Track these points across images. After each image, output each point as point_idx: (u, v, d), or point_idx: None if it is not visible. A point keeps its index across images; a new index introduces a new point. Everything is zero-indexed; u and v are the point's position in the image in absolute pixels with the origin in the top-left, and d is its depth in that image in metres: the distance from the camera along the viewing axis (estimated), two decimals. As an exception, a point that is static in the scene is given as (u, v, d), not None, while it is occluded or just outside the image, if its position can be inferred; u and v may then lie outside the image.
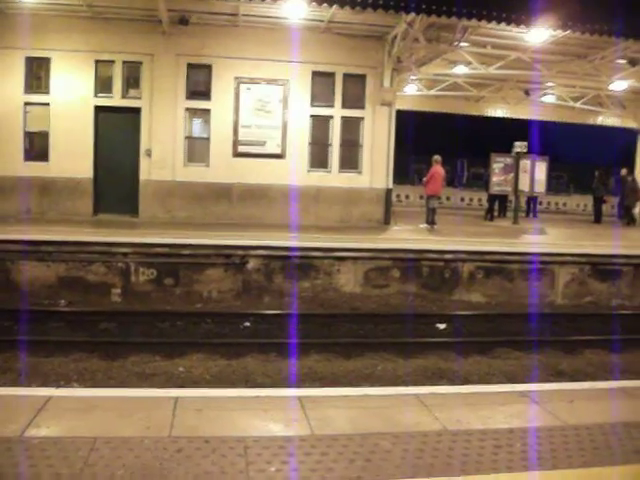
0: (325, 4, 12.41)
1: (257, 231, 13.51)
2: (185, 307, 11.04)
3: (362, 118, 16.52)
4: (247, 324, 10.23)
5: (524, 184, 20.30)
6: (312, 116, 16.30)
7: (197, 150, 15.97)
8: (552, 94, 23.34)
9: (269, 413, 4.11)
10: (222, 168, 15.78)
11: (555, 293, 12.75)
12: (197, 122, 16.19)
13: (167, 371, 7.75)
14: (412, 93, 23.28)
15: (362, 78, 16.38)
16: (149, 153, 15.48)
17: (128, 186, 15.54)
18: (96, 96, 15.31)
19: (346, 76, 16.30)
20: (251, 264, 11.74)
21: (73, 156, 15.18)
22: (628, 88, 20.36)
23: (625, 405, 4.66)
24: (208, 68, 15.70)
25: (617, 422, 4.24)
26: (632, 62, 16.43)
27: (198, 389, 5.61)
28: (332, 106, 16.34)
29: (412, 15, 13.38)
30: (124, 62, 15.33)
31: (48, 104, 15.18)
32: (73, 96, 15.15)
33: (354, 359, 8.65)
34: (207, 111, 15.89)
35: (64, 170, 15.11)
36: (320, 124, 16.41)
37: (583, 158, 45.98)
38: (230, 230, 13.53)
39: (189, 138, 15.97)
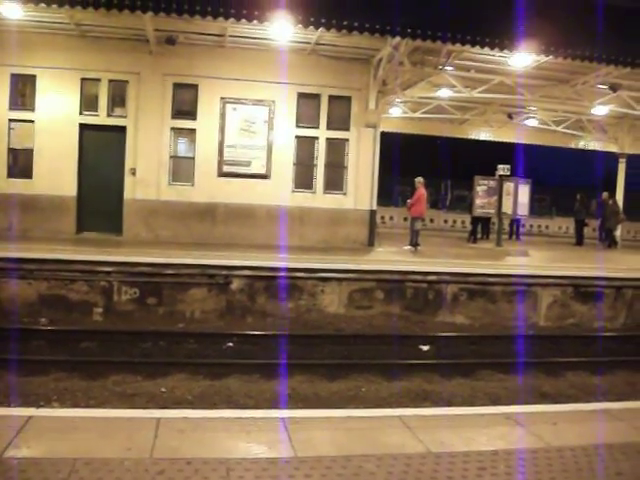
0: (311, 27, 12.51)
1: (241, 251, 13.48)
2: (168, 327, 10.96)
3: (347, 140, 16.61)
4: (230, 344, 10.17)
5: (507, 207, 20.44)
6: (297, 137, 16.37)
7: (182, 169, 15.96)
8: (535, 118, 23.63)
9: (252, 435, 4.08)
10: (207, 188, 15.78)
11: (538, 315, 12.81)
12: (182, 141, 16.19)
13: (149, 391, 7.67)
14: (397, 115, 23.49)
15: (347, 100, 16.49)
16: (134, 172, 15.45)
17: (112, 204, 15.47)
18: (81, 114, 15.29)
19: (331, 98, 16.40)
20: (235, 284, 11.70)
21: (57, 173, 15.11)
22: (609, 113, 20.69)
23: (608, 427, 4.67)
24: (194, 88, 15.75)
25: (600, 444, 4.25)
26: (613, 88, 16.69)
27: (180, 410, 5.55)
28: (317, 127, 16.42)
29: (397, 39, 13.53)
30: (110, 80, 15.34)
31: (33, 121, 15.14)
32: (58, 114, 15.12)
33: (338, 380, 8.62)
34: (193, 131, 15.91)
35: (48, 187, 15.04)
36: (305, 145, 16.47)
37: (565, 181, 46.51)
38: (214, 250, 13.50)
39: (174, 157, 15.96)
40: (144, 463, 3.59)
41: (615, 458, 4.02)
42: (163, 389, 7.78)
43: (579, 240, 23.17)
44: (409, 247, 17.01)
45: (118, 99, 15.57)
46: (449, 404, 7.41)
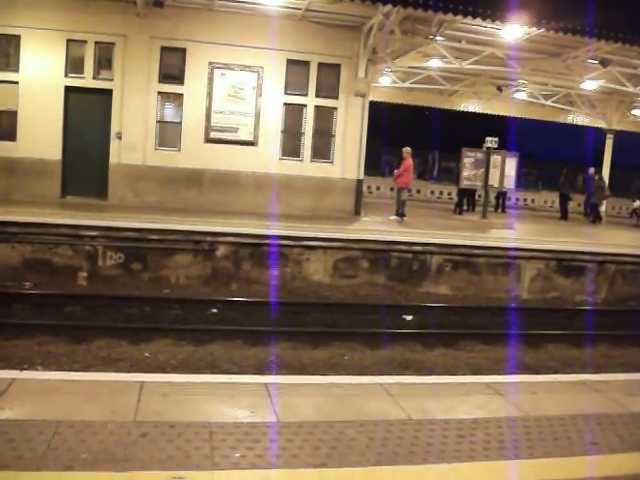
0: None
1: (227, 218, 13.44)
2: (152, 292, 10.96)
3: (335, 108, 16.49)
4: (214, 311, 10.20)
5: (494, 179, 20.49)
6: (285, 104, 16.23)
7: (169, 134, 15.80)
8: (524, 91, 23.57)
9: (235, 399, 4.11)
10: (194, 153, 15.65)
11: (521, 287, 12.93)
12: (169, 106, 16.01)
13: (133, 356, 7.70)
14: (386, 85, 23.34)
15: (337, 68, 16.34)
16: (120, 136, 15.28)
17: (97, 169, 15.31)
18: (67, 76, 15.02)
19: (321, 65, 16.25)
20: (220, 251, 11.69)
21: (41, 136, 14.89)
22: (598, 88, 20.64)
23: (585, 398, 4.76)
24: (182, 52, 15.52)
25: (577, 414, 4.32)
26: (603, 63, 16.64)
27: (164, 374, 5.59)
28: (306, 95, 16.29)
29: (389, 6, 13.38)
30: (96, 42, 15.05)
31: (17, 82, 14.85)
32: (43, 75, 14.84)
33: (321, 348, 8.69)
34: (180, 95, 15.72)
35: (32, 150, 14.83)
36: (293, 113, 16.35)
37: (553, 156, 46.60)
38: (200, 216, 13.45)
39: (161, 122, 15.78)
40: (127, 426, 3.61)
41: (591, 428, 4.10)
42: (147, 354, 7.81)
43: (563, 214, 23.30)
44: (395, 217, 17.04)
45: (104, 62, 15.29)
46: (431, 373, 7.50)
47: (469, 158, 20.46)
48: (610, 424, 4.19)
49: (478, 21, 13.55)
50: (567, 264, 13.13)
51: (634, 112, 24.51)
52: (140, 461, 3.26)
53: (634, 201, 25.61)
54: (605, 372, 6.90)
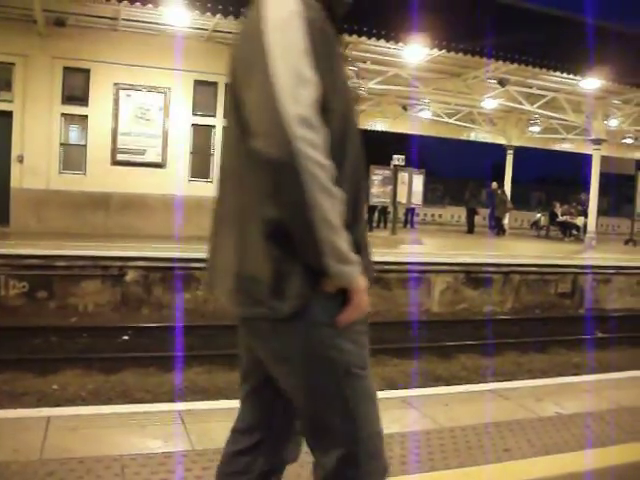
0: (208, 13, 12.33)
1: (137, 242, 13.14)
2: (60, 321, 10.56)
3: (245, 129, 16.48)
4: (125, 337, 9.93)
5: (402, 196, 20.96)
6: (194, 125, 16.11)
7: (73, 157, 15.35)
8: (429, 110, 24.29)
9: (147, 429, 4.00)
10: (100, 176, 15.25)
11: (432, 301, 13.23)
12: (74, 128, 15.59)
13: (40, 390, 7.37)
14: (294, 105, 23.50)
15: (245, 89, 16.35)
16: (21, 159, 14.72)
17: (-3, 193, 14.72)
18: (-37, 98, 14.43)
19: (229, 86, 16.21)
20: (130, 276, 11.41)
21: None
22: (498, 106, 21.56)
23: (496, 406, 4.89)
24: (86, 72, 15.14)
25: (489, 422, 4.44)
26: (501, 82, 17.44)
27: (72, 407, 5.37)
28: (214, 116, 16.22)
29: (294, 28, 13.53)
30: (-5, 63, 14.54)
31: None
32: (-64, 98, 14.20)
33: (236, 371, 8.55)
34: (84, 117, 15.33)
35: None
36: (202, 134, 16.25)
37: (457, 172, 48.22)
38: (108, 241, 13.09)
39: (65, 145, 15.34)
40: (33, 465, 3.44)
41: (503, 435, 4.21)
42: (55, 386, 7.50)
43: (470, 228, 24.08)
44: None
45: (4, 82, 14.73)
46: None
47: (377, 176, 20.86)
48: (520, 430, 4.32)
49: (382, 42, 13.91)
50: (475, 276, 13.55)
51: (531, 129, 25.68)
52: (47, 501, 3.12)
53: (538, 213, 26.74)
54: (514, 380, 7.11)
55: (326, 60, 1.76)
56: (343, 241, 1.73)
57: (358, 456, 1.93)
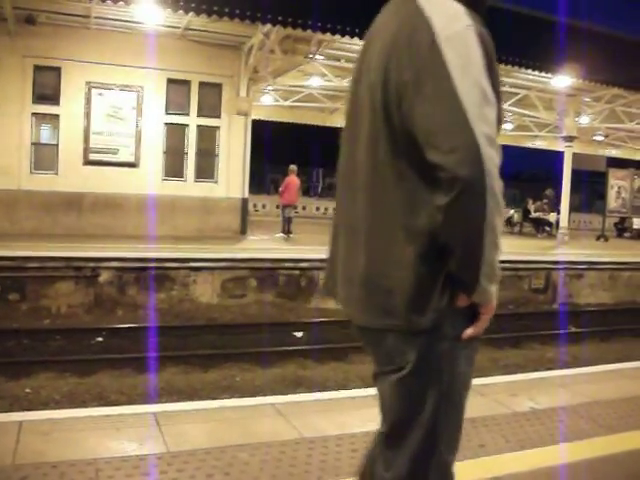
0: (181, 11, 12.25)
1: (110, 242, 13.03)
2: (32, 323, 10.42)
3: (218, 127, 16.43)
4: (99, 339, 9.84)
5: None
6: (167, 124, 16.01)
7: (45, 157, 15.17)
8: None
9: (122, 432, 3.96)
10: (72, 177, 15.08)
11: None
12: (45, 127, 15.40)
13: (13, 394, 7.26)
14: (268, 103, 23.50)
15: (218, 87, 16.30)
16: (-10, 160, 14.52)
17: (-33, 195, 14.48)
18: None
19: (202, 84, 16.15)
20: (103, 276, 11.31)
21: None
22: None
23: (472, 402, 4.89)
24: (57, 71, 14.96)
25: (465, 418, 4.46)
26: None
27: (45, 411, 5.31)
28: (188, 114, 16.13)
29: (268, 26, 13.51)
30: (-37, 62, 14.30)
31: None
32: None
33: (212, 370, 8.56)
34: (56, 116, 15.14)
35: None
36: (175, 132, 16.15)
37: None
38: (81, 241, 12.96)
39: (36, 144, 15.15)
40: (5, 470, 3.39)
41: (478, 431, 4.23)
42: (28, 390, 7.39)
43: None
44: (281, 235, 17.12)
45: (-28, 82, 14.54)
46: (323, 389, 7.54)
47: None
48: (496, 425, 4.35)
49: (355, 40, 13.91)
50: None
51: (504, 126, 25.85)
52: (20, 506, 3.07)
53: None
54: (489, 375, 7.16)
55: (494, 75, 1.75)
56: (498, 260, 1.75)
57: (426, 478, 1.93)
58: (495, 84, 1.74)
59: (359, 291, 1.90)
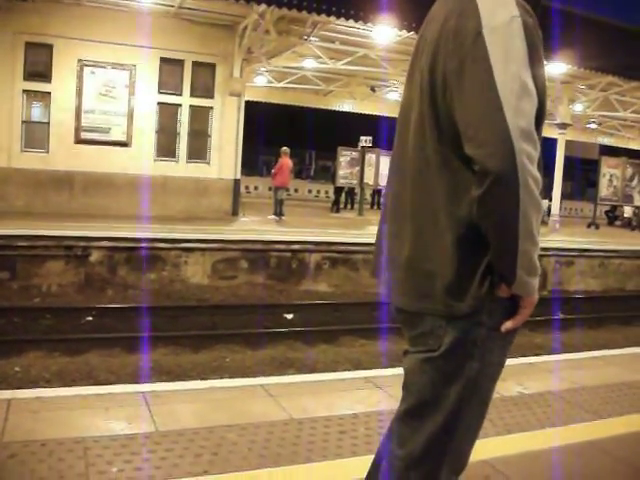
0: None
1: (101, 222, 12.97)
2: (22, 302, 10.39)
3: (211, 108, 16.34)
4: (89, 318, 9.83)
5: (369, 177, 21.01)
6: (160, 104, 15.89)
7: (36, 135, 15.03)
8: (396, 91, 24.31)
9: (111, 411, 3.96)
10: (63, 155, 14.97)
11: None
12: (36, 105, 15.24)
13: (2, 372, 7.25)
14: (262, 85, 23.37)
15: (212, 67, 16.18)
16: (-19, 137, 14.40)
17: (-44, 172, 14.36)
18: None
19: (195, 64, 16.02)
20: (94, 256, 11.27)
21: None
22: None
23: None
24: (49, 48, 14.78)
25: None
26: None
27: (34, 389, 5.30)
28: (180, 94, 16.02)
29: (263, 6, 13.39)
30: (-48, 38, 14.12)
31: None
32: None
33: (202, 351, 8.58)
34: (47, 94, 14.99)
35: None
36: (168, 112, 16.04)
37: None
38: (72, 220, 12.89)
39: (27, 122, 15.00)
40: (-6, 447, 3.40)
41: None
42: (17, 368, 7.39)
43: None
44: (273, 217, 17.10)
45: (-38, 58, 14.38)
46: (312, 370, 7.57)
47: (345, 157, 20.88)
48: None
49: (351, 23, 13.83)
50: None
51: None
52: (8, 484, 3.08)
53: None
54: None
55: (538, 67, 1.74)
56: (536, 254, 1.77)
57: (440, 469, 1.93)
58: (539, 76, 1.74)
59: (401, 273, 1.93)
